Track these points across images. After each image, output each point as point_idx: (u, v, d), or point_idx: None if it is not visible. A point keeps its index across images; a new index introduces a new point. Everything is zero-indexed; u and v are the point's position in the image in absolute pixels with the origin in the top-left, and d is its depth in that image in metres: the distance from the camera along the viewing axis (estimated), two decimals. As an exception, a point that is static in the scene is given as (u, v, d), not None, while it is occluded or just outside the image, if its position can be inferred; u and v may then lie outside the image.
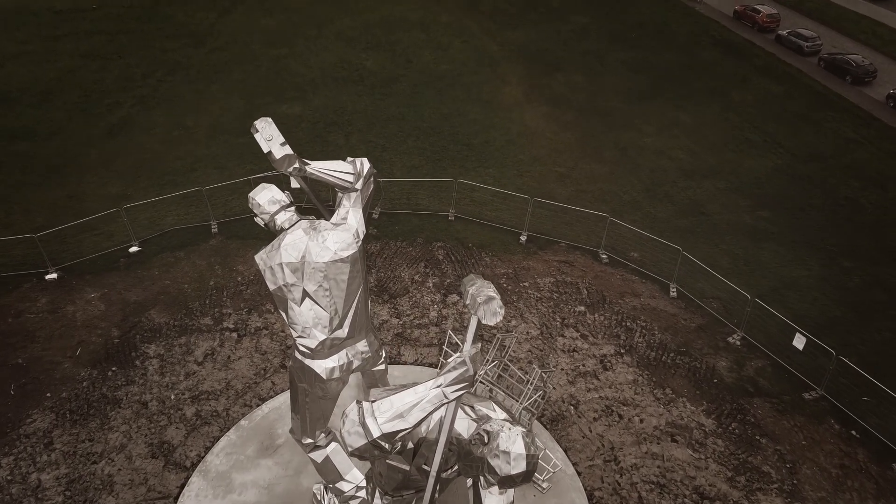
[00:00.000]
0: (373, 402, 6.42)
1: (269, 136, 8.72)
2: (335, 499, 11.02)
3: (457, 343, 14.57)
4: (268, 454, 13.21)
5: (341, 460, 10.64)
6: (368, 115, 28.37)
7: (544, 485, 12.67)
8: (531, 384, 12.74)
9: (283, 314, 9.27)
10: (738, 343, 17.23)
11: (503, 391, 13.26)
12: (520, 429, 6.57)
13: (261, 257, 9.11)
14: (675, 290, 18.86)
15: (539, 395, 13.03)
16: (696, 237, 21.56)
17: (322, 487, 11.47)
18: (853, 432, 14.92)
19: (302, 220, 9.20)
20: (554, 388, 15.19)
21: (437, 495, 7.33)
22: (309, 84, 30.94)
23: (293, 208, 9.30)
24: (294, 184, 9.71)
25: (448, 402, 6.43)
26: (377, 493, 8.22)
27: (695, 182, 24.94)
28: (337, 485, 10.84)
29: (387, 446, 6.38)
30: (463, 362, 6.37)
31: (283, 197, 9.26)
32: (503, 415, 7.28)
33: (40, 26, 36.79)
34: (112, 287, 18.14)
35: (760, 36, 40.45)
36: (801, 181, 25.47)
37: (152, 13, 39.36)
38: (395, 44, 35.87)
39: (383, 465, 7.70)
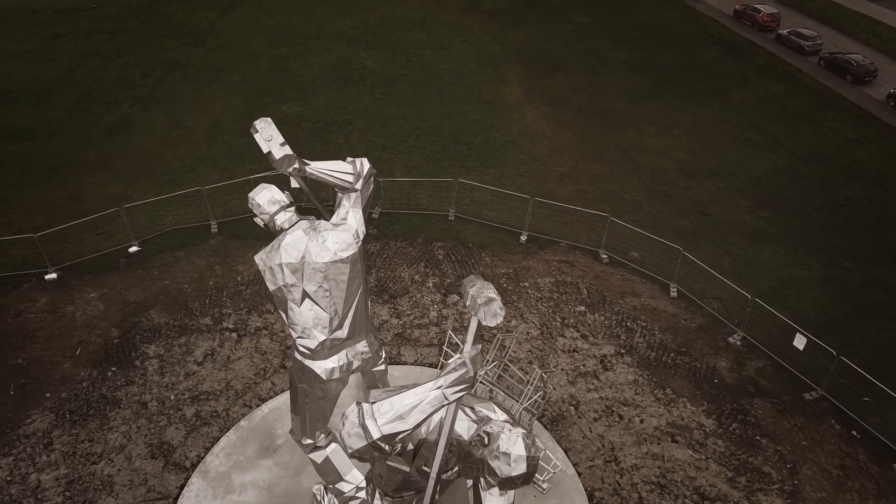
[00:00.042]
0: (373, 403, 6.40)
1: (268, 137, 8.71)
2: (335, 499, 10.99)
3: (457, 343, 14.55)
4: (267, 455, 13.19)
5: (341, 461, 10.62)
6: (369, 114, 28.35)
7: (544, 485, 12.65)
8: (531, 384, 12.71)
9: (283, 315, 9.25)
10: (739, 343, 17.21)
11: (503, 391, 13.23)
12: (520, 430, 6.55)
13: (260, 258, 9.08)
14: (675, 290, 18.84)
15: (539, 396, 13.00)
16: (697, 237, 21.54)
17: (322, 488, 11.44)
18: (854, 433, 14.90)
19: (302, 221, 9.18)
20: (554, 388, 15.17)
21: (437, 496, 7.31)
22: (309, 84, 30.92)
23: (293, 209, 9.28)
24: (294, 184, 9.69)
25: (448, 404, 6.40)
26: (377, 494, 8.20)
27: (695, 182, 24.92)
28: (337, 485, 10.82)
29: (387, 448, 6.36)
30: (463, 363, 6.35)
31: (282, 197, 9.24)
32: (503, 416, 7.26)
33: (40, 25, 36.79)
34: (112, 287, 18.12)
35: (761, 35, 40.43)
36: (801, 181, 25.45)
37: (151, 12, 39.35)
38: (396, 43, 35.85)
39: (383, 467, 7.68)
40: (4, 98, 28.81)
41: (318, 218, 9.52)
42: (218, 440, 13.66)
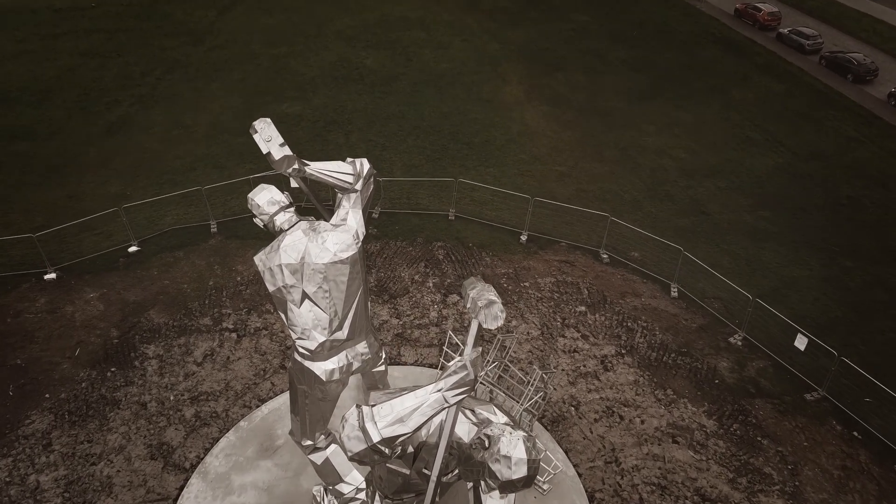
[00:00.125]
0: (372, 406, 6.37)
1: (268, 137, 8.68)
2: (335, 501, 10.97)
3: (457, 343, 14.52)
4: (267, 455, 13.15)
5: (341, 462, 10.60)
6: (368, 113, 28.30)
7: (545, 486, 12.62)
8: (532, 385, 12.68)
9: (283, 316, 9.22)
10: (740, 343, 17.17)
11: (504, 392, 13.20)
12: (521, 433, 6.52)
13: (260, 258, 9.05)
14: (676, 290, 18.80)
15: (540, 397, 12.97)
16: (697, 237, 21.50)
17: (322, 489, 11.42)
18: (855, 433, 14.87)
19: (301, 221, 9.14)
20: (555, 388, 15.14)
21: (437, 499, 7.28)
22: (309, 83, 30.87)
23: (292, 209, 9.24)
24: (293, 184, 9.66)
25: (449, 407, 6.37)
26: (377, 496, 8.17)
27: (696, 181, 24.87)
28: (337, 487, 10.80)
29: (387, 451, 6.33)
30: (464, 366, 6.32)
31: (282, 198, 9.21)
32: (504, 418, 7.22)
33: (39, 25, 36.73)
34: (111, 287, 18.08)
35: (761, 34, 40.36)
36: (802, 180, 25.40)
37: (151, 11, 39.30)
38: (395, 42, 35.79)
39: (383, 469, 7.65)
40: (4, 98, 28.76)
41: (318, 218, 9.49)
42: (217, 441, 13.63)
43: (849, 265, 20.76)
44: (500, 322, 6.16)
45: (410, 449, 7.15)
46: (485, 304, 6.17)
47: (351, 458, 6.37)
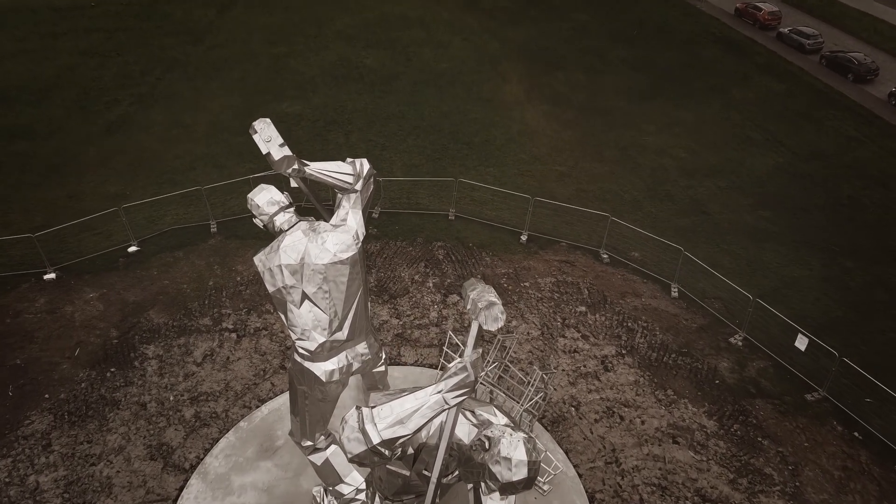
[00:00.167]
0: (372, 407, 6.34)
1: (267, 138, 8.66)
2: (335, 501, 10.96)
3: (457, 344, 14.48)
4: (267, 456, 13.13)
5: (341, 463, 10.58)
6: (368, 113, 28.27)
7: (545, 487, 12.58)
8: (532, 385, 12.65)
9: (283, 316, 9.20)
10: (740, 344, 17.15)
11: (504, 393, 13.17)
12: (521, 435, 6.50)
13: (260, 259, 9.03)
14: (676, 290, 18.78)
15: (540, 397, 12.93)
16: (698, 237, 21.47)
17: (322, 490, 11.41)
18: (856, 434, 14.85)
19: (301, 222, 9.12)
20: (555, 389, 15.12)
21: (437, 500, 7.26)
22: (309, 82, 30.84)
23: (292, 209, 9.21)
24: (293, 184, 9.64)
25: (449, 408, 6.35)
26: (377, 497, 8.16)
27: (696, 181, 24.84)
28: (337, 487, 10.79)
29: (387, 453, 6.31)
30: (464, 368, 6.30)
31: (281, 198, 9.18)
32: (504, 420, 7.20)
33: (39, 24, 36.70)
34: (111, 287, 18.05)
35: (762, 33, 40.33)
36: (802, 180, 25.38)
37: (151, 10, 39.27)
38: (395, 42, 35.76)
39: (383, 470, 7.63)
40: (3, 97, 28.72)
41: (318, 219, 9.46)
42: (217, 441, 13.61)
43: (849, 265, 20.74)
44: (501, 324, 6.14)
45: (410, 450, 7.13)
46: (485, 306, 6.15)
47: (351, 460, 6.34)
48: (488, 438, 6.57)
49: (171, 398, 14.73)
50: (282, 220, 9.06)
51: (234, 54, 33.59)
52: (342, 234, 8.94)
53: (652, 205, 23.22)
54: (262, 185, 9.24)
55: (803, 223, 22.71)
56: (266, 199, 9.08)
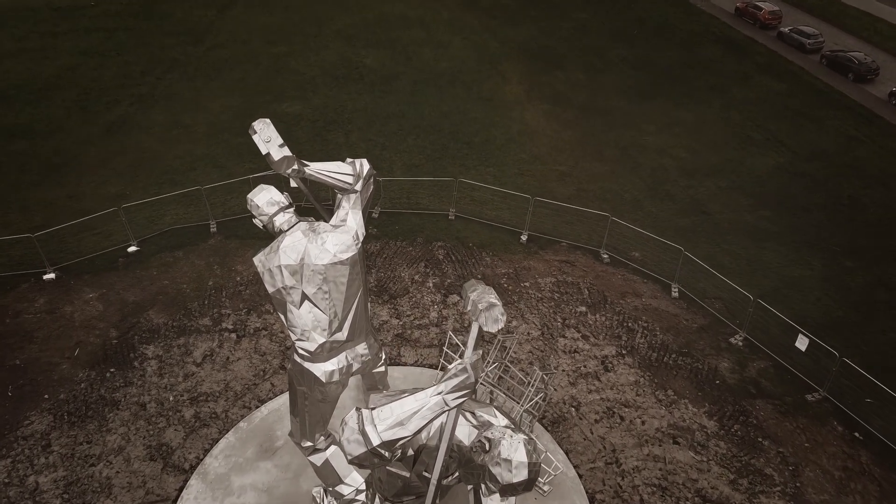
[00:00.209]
0: (372, 409, 6.32)
1: (267, 138, 8.65)
2: (334, 502, 10.96)
3: (457, 344, 14.47)
4: (267, 456, 13.11)
5: (341, 463, 10.57)
6: (368, 113, 28.25)
7: (545, 488, 12.57)
8: (532, 386, 12.63)
9: (282, 317, 9.18)
10: (741, 344, 17.13)
11: (504, 393, 13.15)
12: (521, 436, 6.48)
13: (259, 259, 9.01)
14: (676, 290, 18.76)
15: (540, 397, 12.91)
16: (698, 236, 21.45)
17: (321, 490, 11.41)
18: (856, 434, 14.82)
19: (301, 222, 9.10)
20: (555, 389, 15.10)
21: (437, 501, 7.25)
22: (308, 82, 30.82)
23: (292, 209, 9.20)
24: (293, 184, 9.63)
25: (449, 410, 6.33)
26: (377, 499, 8.14)
27: (696, 181, 24.82)
28: (336, 488, 10.78)
29: (386, 454, 6.29)
30: (464, 369, 6.28)
31: (281, 198, 9.17)
32: (505, 421, 7.19)
33: (39, 23, 36.67)
34: (110, 287, 18.03)
35: (762, 33, 40.30)
36: (802, 180, 25.35)
37: (151, 10, 39.24)
38: (395, 41, 35.73)
39: (383, 472, 7.62)
40: (3, 96, 28.70)
41: (318, 219, 9.44)
42: (217, 442, 13.59)
43: (850, 265, 20.72)
44: (501, 325, 6.13)
45: (410, 452, 7.11)
46: (485, 307, 6.13)
47: (350, 462, 6.33)
48: (488, 440, 6.55)
49: (171, 398, 14.71)
50: (281, 220, 9.04)
51: (234, 54, 33.57)
52: (342, 235, 8.92)
53: (652, 205, 23.20)
54: (262, 186, 9.22)
55: (804, 223, 22.69)
56: (266, 200, 9.06)
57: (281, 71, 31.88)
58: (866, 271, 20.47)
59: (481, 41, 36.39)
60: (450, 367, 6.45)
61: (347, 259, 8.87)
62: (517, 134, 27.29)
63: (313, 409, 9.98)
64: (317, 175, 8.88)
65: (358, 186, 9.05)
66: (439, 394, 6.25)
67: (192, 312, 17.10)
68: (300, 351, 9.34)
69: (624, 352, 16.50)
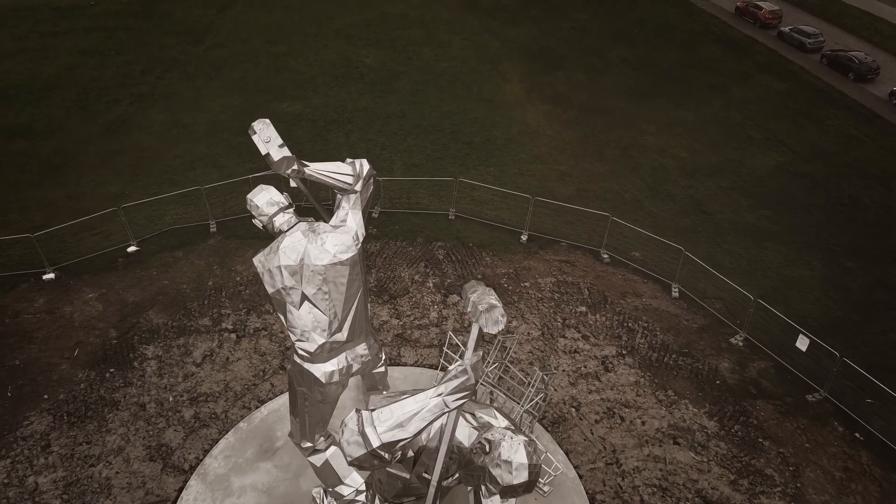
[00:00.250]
0: (372, 410, 6.31)
1: (266, 138, 8.63)
2: (334, 503, 10.94)
3: (457, 344, 14.46)
4: (267, 457, 13.10)
5: (340, 464, 10.56)
6: (368, 113, 28.22)
7: (545, 488, 12.55)
8: (532, 386, 12.61)
9: (282, 317, 9.17)
10: (741, 344, 17.11)
11: (504, 394, 13.14)
12: (522, 438, 6.46)
13: (259, 260, 8.99)
14: (676, 290, 18.74)
15: (540, 398, 12.90)
16: (698, 236, 21.43)
17: (321, 491, 11.39)
18: (857, 435, 14.81)
19: (301, 223, 9.08)
20: (555, 389, 15.08)
21: (437, 502, 7.23)
22: (309, 82, 30.79)
23: (292, 210, 9.19)
24: (293, 185, 9.62)
25: (449, 411, 6.31)
26: (377, 500, 8.12)
27: (696, 181, 24.80)
28: (336, 489, 10.77)
29: (386, 456, 6.27)
30: (464, 370, 6.27)
31: (281, 198, 9.15)
32: (505, 422, 7.17)
33: (38, 23, 36.64)
34: (110, 287, 18.01)
35: (762, 32, 40.26)
36: (803, 179, 25.33)
37: (150, 10, 39.20)
38: (395, 41, 35.70)
39: (383, 473, 7.60)
40: (3, 96, 28.68)
41: (317, 219, 9.42)
42: (217, 442, 13.57)
43: (850, 265, 20.70)
44: (501, 326, 6.11)
45: (410, 453, 7.09)
46: (485, 309, 6.12)
47: (350, 464, 6.32)
48: (489, 441, 6.53)
49: (171, 399, 14.70)
50: (281, 220, 9.03)
51: (233, 54, 33.54)
52: (342, 235, 8.90)
53: (653, 204, 23.17)
54: (262, 186, 9.21)
55: (804, 223, 22.67)
56: (265, 200, 9.05)
57: (281, 70, 31.85)
58: (866, 271, 20.45)
59: (482, 41, 36.36)
60: (450, 368, 6.43)
61: (347, 259, 8.86)
62: (517, 134, 27.27)
63: (313, 410, 9.96)
64: (316, 175, 8.87)
65: (358, 187, 9.03)
66: (439, 395, 6.23)
67: (192, 312, 17.08)
68: (300, 351, 9.32)
69: (624, 352, 16.48)
